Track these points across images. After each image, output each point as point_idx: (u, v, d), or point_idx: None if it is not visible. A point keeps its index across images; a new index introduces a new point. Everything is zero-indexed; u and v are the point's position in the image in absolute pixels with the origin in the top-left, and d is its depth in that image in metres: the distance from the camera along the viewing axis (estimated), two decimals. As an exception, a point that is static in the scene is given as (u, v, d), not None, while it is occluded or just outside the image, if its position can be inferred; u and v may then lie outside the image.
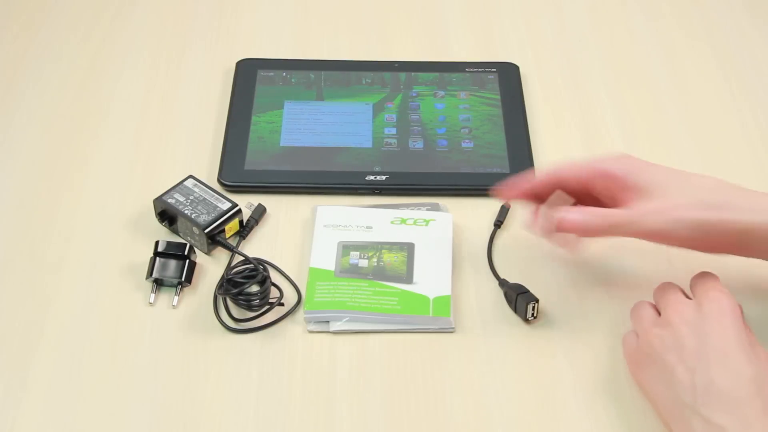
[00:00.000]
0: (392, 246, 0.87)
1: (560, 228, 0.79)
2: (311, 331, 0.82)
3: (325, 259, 0.86)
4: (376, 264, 0.85)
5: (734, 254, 0.79)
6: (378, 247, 0.87)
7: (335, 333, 0.82)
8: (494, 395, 0.78)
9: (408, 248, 0.87)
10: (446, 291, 0.84)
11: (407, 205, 0.91)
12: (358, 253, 0.86)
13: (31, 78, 1.06)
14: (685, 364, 0.71)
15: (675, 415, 0.71)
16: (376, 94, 1.03)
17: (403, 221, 0.89)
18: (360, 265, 0.85)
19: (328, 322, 0.82)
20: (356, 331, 0.82)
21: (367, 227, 0.88)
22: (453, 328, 0.82)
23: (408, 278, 0.85)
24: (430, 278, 0.84)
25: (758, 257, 0.79)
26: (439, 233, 0.88)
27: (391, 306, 0.82)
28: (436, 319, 0.82)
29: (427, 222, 0.89)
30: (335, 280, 0.84)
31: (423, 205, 0.91)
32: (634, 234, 0.78)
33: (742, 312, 0.76)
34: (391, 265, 0.85)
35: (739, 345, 0.71)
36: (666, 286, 0.79)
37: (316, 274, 0.85)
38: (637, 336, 0.77)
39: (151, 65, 1.08)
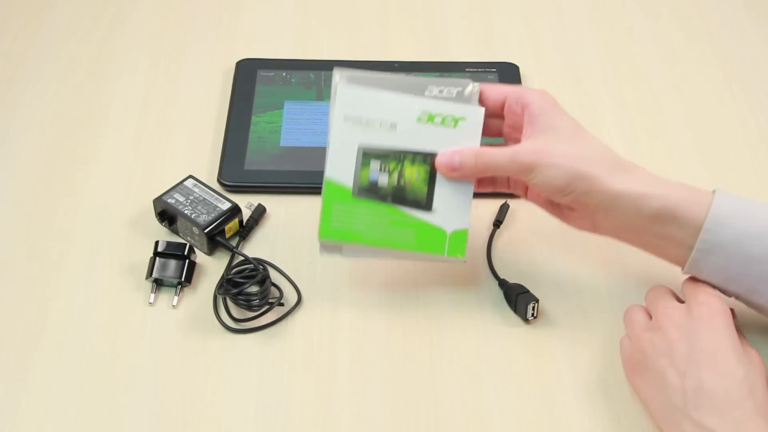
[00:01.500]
0: (415, 156, 0.82)
1: (440, 170, 0.80)
2: (323, 255, 0.82)
3: (343, 168, 0.81)
4: (396, 183, 0.82)
5: (597, 226, 0.79)
6: (400, 156, 0.82)
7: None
8: (494, 395, 0.78)
9: (431, 160, 0.82)
10: (464, 224, 0.81)
11: (437, 83, 0.83)
12: (378, 163, 0.82)
13: (31, 78, 1.06)
14: (675, 368, 0.71)
15: (667, 418, 0.71)
16: (376, 93, 1.03)
17: (431, 118, 0.82)
18: (380, 182, 0.82)
19: (341, 247, 0.81)
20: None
21: (391, 125, 0.82)
22: (465, 260, 0.81)
23: (428, 204, 0.81)
24: (450, 204, 0.81)
25: (615, 236, 0.79)
26: (466, 136, 0.81)
27: (406, 241, 0.81)
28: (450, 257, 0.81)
29: (456, 122, 0.82)
30: (353, 202, 0.81)
31: (454, 84, 0.83)
32: (512, 171, 0.79)
33: (734, 315, 0.76)
34: (411, 184, 0.81)
35: (729, 347, 0.71)
36: (657, 290, 0.79)
37: (332, 190, 0.81)
38: (630, 340, 0.77)
39: (151, 65, 1.08)
